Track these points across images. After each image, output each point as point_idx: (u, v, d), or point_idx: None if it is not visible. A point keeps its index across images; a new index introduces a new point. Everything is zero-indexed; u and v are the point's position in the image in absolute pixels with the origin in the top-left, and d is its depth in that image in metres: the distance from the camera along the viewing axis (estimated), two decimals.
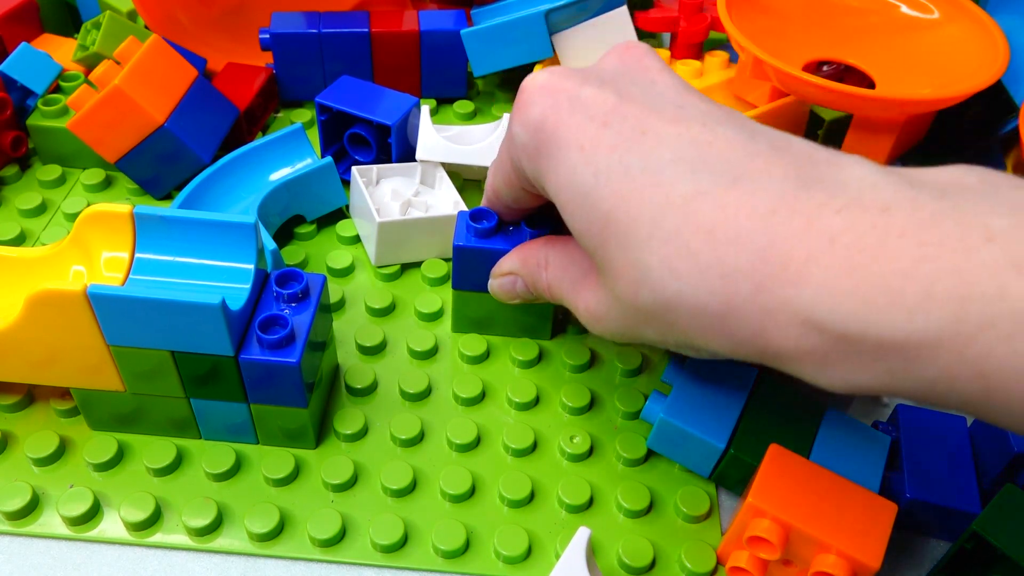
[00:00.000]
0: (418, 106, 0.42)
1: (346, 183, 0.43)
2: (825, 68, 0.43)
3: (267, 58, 0.50)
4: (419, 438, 0.33)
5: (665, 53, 0.47)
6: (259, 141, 0.41)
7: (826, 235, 0.19)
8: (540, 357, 0.36)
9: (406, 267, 0.40)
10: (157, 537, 0.29)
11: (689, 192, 0.21)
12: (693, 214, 0.21)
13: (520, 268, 0.31)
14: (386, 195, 0.40)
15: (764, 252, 0.20)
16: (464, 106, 0.50)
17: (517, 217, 0.33)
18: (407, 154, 0.42)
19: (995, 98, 0.41)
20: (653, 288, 0.22)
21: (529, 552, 0.29)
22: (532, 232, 0.33)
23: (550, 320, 0.36)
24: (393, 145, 0.41)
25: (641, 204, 0.22)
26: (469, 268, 0.34)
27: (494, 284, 0.32)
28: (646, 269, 0.22)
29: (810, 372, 0.20)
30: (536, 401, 0.34)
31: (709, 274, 0.21)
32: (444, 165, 0.41)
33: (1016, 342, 0.17)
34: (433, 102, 0.50)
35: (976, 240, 0.18)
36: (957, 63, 0.39)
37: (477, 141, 0.42)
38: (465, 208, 0.39)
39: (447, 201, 0.40)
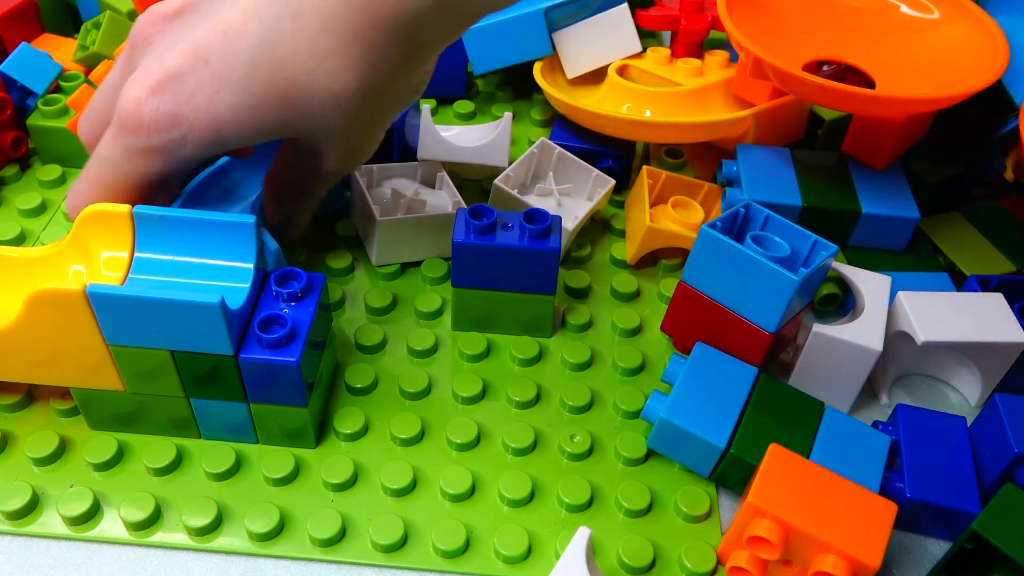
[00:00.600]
0: (417, 106, 0.42)
1: (346, 183, 0.43)
2: (825, 68, 0.43)
3: None
4: (419, 437, 0.33)
5: (665, 51, 0.47)
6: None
7: None
8: (540, 355, 0.36)
9: (406, 266, 0.40)
10: (157, 537, 0.29)
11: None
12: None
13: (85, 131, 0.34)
14: (386, 194, 0.40)
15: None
16: (464, 106, 0.50)
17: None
18: (406, 153, 0.42)
19: (995, 98, 0.41)
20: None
21: (529, 552, 0.29)
22: (531, 228, 0.33)
23: (550, 318, 0.36)
24: (395, 144, 0.41)
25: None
26: (469, 265, 0.34)
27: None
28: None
29: None
30: (536, 400, 0.34)
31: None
32: (444, 164, 0.41)
33: None
34: (433, 102, 0.50)
35: None
36: (957, 63, 0.39)
37: (478, 141, 0.42)
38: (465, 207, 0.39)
39: (447, 200, 0.40)
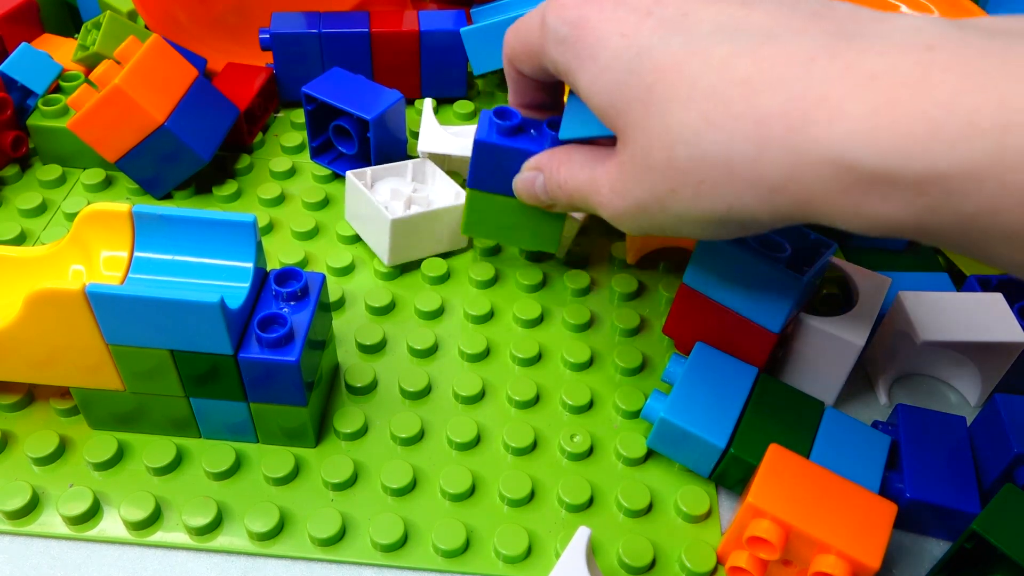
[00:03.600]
0: (402, 101, 0.42)
1: (341, 179, 0.44)
2: None
3: (267, 58, 0.50)
4: (419, 437, 0.33)
5: None
6: None
7: (866, 74, 0.19)
8: (540, 355, 0.36)
9: (405, 266, 0.40)
10: (157, 536, 0.29)
11: (726, 53, 0.22)
12: (730, 70, 0.21)
13: (543, 163, 0.31)
14: (386, 195, 0.40)
15: (799, 94, 0.20)
16: (464, 106, 0.50)
17: (528, 98, 0.33)
18: (388, 148, 0.42)
19: None
20: (688, 142, 0.22)
21: (529, 552, 0.29)
22: (554, 136, 0.33)
23: (559, 232, 0.36)
24: (372, 139, 0.41)
25: (681, 71, 0.22)
26: (487, 166, 0.34)
27: (518, 179, 0.33)
28: (682, 126, 0.22)
29: (843, 215, 0.20)
30: (536, 400, 0.34)
31: (743, 120, 0.21)
32: (445, 161, 0.41)
33: None
34: (434, 102, 0.50)
35: None
36: None
37: None
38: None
39: (447, 193, 0.40)
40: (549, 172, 0.31)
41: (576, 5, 0.26)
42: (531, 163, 0.32)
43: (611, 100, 0.25)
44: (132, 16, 0.52)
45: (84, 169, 0.45)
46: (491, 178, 0.34)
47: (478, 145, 0.33)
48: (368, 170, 0.40)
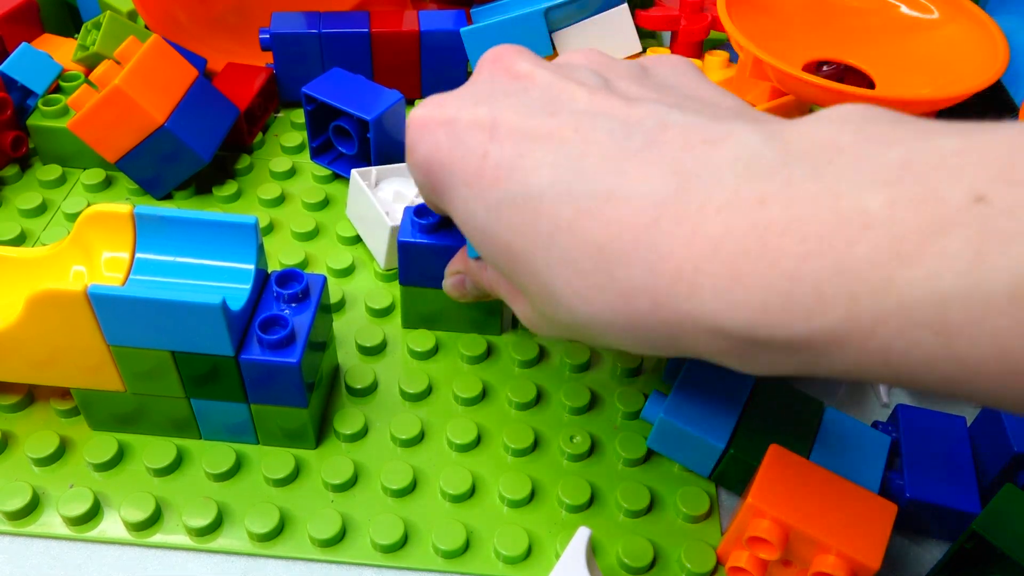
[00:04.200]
0: (403, 102, 0.42)
1: (341, 179, 0.44)
2: (825, 68, 0.43)
3: (267, 58, 0.50)
4: (419, 438, 0.33)
5: (665, 51, 0.47)
6: None
7: (709, 243, 0.19)
8: (540, 356, 0.36)
9: None
10: (157, 537, 0.29)
11: (571, 214, 0.21)
12: (580, 234, 0.21)
13: (462, 268, 0.31)
14: (388, 197, 0.40)
15: (654, 266, 0.19)
16: None
17: None
18: (389, 149, 0.42)
19: (995, 98, 0.41)
20: (567, 310, 0.22)
21: (529, 552, 0.29)
22: None
23: (499, 316, 0.36)
24: (372, 140, 0.41)
25: (534, 234, 0.22)
26: (415, 263, 0.34)
27: (446, 283, 0.33)
28: (554, 293, 0.22)
29: (733, 365, 0.20)
30: (536, 401, 0.34)
31: (608, 293, 0.20)
32: None
33: (909, 335, 0.17)
34: None
35: (855, 230, 0.17)
36: (957, 63, 0.39)
37: None
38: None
39: None
40: (472, 275, 0.30)
41: (420, 143, 0.25)
42: (452, 269, 0.32)
43: (482, 250, 0.24)
44: (132, 16, 0.52)
45: (84, 169, 0.45)
46: (421, 274, 0.35)
47: (402, 246, 0.34)
48: (373, 170, 0.40)
